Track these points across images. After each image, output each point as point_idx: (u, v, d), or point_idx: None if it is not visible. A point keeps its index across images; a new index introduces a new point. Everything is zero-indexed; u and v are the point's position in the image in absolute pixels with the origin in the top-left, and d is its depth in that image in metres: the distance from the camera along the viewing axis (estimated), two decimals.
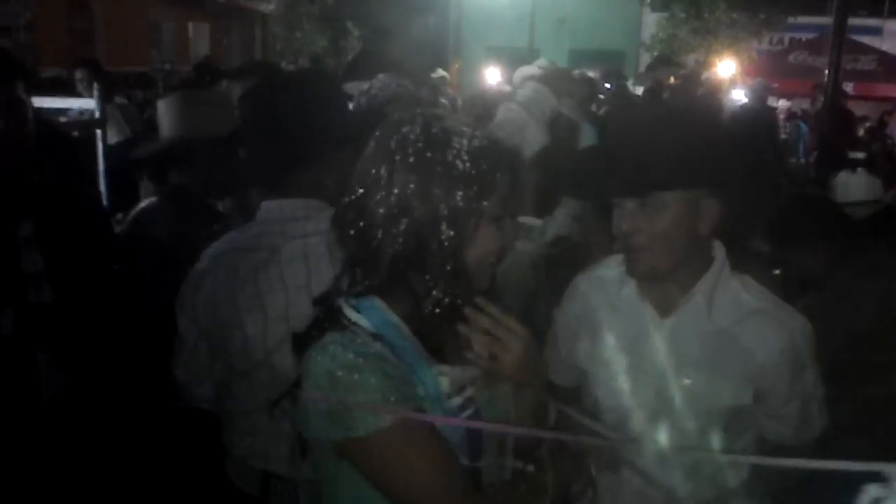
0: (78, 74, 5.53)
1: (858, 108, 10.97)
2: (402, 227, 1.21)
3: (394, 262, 1.22)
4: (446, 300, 1.23)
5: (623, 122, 1.63)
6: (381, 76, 2.50)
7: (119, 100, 5.78)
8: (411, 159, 1.21)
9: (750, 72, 11.96)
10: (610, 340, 1.68)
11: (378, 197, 1.22)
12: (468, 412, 1.27)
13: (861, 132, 9.91)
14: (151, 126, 3.07)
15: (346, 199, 1.27)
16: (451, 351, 1.31)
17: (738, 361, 1.59)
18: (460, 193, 1.20)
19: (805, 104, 10.69)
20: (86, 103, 3.49)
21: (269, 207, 1.78)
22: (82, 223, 1.94)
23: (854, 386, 2.30)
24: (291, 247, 1.70)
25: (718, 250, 1.64)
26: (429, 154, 1.20)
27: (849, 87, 10.24)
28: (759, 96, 8.28)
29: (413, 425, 1.18)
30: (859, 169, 2.91)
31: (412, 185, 1.20)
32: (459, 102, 5.25)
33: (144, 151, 2.83)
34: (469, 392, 1.28)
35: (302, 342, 1.26)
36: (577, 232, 2.35)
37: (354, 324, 1.23)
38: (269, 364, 1.72)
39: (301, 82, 1.93)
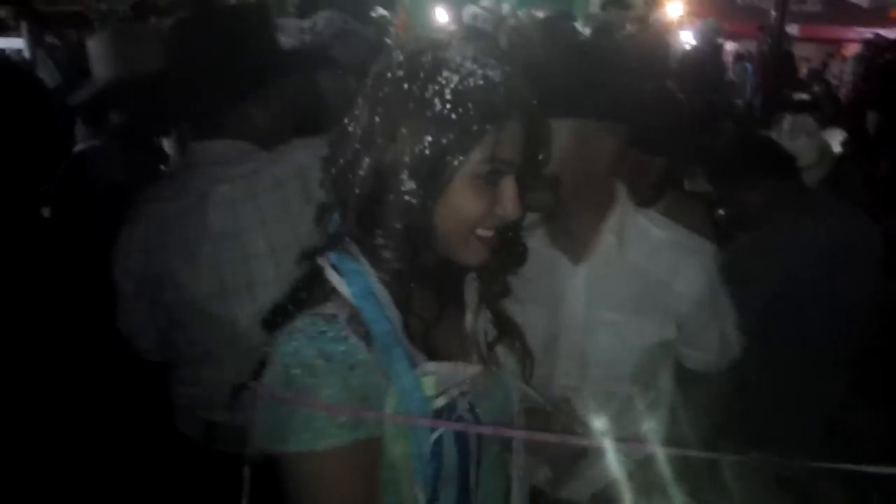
0: (2, 12, 5.26)
1: (804, 50, 11.10)
2: (364, 167, 1.05)
3: (358, 208, 1.07)
4: (399, 266, 1.06)
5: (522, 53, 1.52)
6: (324, 13, 2.45)
7: (50, 41, 5.53)
8: (385, 89, 1.05)
9: (698, 13, 11.96)
10: (526, 296, 1.56)
11: (352, 130, 1.08)
12: (458, 412, 1.11)
13: (804, 73, 10.03)
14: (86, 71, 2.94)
15: (333, 134, 1.12)
16: (442, 338, 1.14)
17: (658, 296, 1.58)
18: (429, 139, 1.02)
19: (752, 46, 10.76)
20: (11, 43, 3.34)
21: (196, 150, 1.72)
22: None
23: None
24: (219, 192, 1.65)
25: (620, 190, 1.60)
26: (405, 86, 1.03)
27: (794, 29, 10.34)
28: (708, 38, 8.29)
29: (346, 459, 1.02)
30: (803, 114, 2.94)
31: (377, 120, 1.05)
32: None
33: (80, 97, 2.73)
34: (459, 390, 1.12)
35: (276, 316, 1.10)
36: None
37: (334, 291, 1.07)
38: (207, 313, 1.69)
39: (228, 15, 1.85)
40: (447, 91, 1.02)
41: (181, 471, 1.82)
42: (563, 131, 1.40)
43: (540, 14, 6.15)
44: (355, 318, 1.04)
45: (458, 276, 1.20)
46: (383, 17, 7.37)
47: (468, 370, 1.14)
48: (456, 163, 1.03)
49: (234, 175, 1.66)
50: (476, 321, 1.22)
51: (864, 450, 2.91)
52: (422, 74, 1.03)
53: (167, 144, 2.63)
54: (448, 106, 1.02)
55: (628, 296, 1.58)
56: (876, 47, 8.18)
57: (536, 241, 1.54)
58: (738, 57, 10.65)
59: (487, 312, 1.25)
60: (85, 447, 1.85)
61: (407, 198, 1.03)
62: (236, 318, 1.68)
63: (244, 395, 1.65)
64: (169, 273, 1.69)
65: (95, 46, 2.55)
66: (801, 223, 2.44)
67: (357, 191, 1.06)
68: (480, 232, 1.10)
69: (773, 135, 2.90)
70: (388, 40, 4.08)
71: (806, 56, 11.23)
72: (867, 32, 10.56)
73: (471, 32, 4.76)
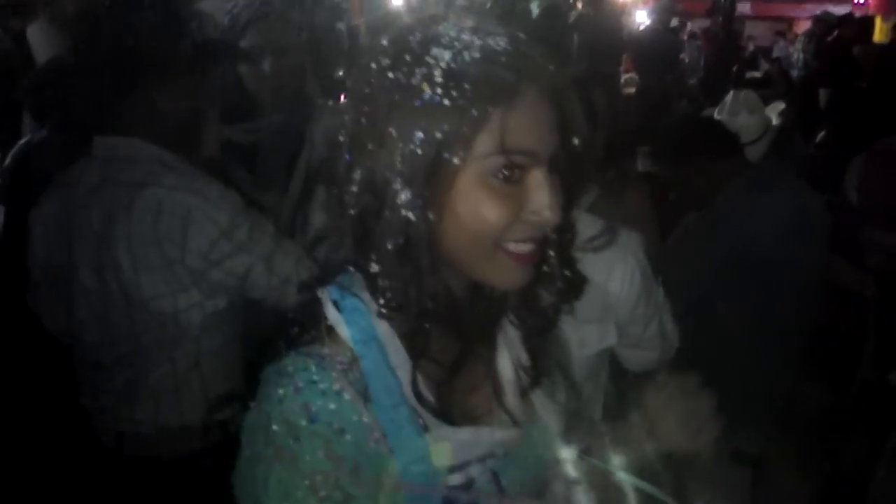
0: None
1: (755, 29, 11.23)
2: (356, 181, 0.86)
3: (355, 233, 0.88)
4: (400, 299, 0.85)
5: None
6: None
7: None
8: (370, 82, 0.86)
9: None
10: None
11: (341, 139, 0.89)
12: (477, 487, 0.91)
13: (749, 51, 10.16)
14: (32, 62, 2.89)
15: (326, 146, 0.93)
16: (463, 391, 0.93)
17: (595, 301, 1.44)
18: (419, 135, 0.82)
19: (706, 24, 10.86)
20: None
21: (96, 144, 1.67)
22: None
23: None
24: (112, 194, 1.61)
25: None
26: (389, 75, 0.84)
27: (747, 7, 10.45)
28: (662, 18, 8.35)
29: None
30: (746, 90, 2.98)
31: (364, 122, 0.86)
32: (363, 29, 5.11)
33: (23, 85, 2.68)
34: (481, 458, 0.92)
35: (265, 352, 0.91)
36: None
37: (331, 330, 0.89)
38: (100, 311, 1.68)
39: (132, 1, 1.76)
40: (437, 72, 0.82)
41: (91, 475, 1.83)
42: None
43: None
44: (355, 367, 0.87)
45: (487, 306, 0.97)
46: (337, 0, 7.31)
47: (496, 435, 0.93)
48: (456, 160, 0.82)
49: (129, 179, 1.60)
50: (509, 365, 1.00)
51: (817, 425, 2.99)
52: (408, 58, 0.84)
53: None
54: (439, 90, 0.82)
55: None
56: (825, 24, 8.31)
57: None
58: (691, 36, 10.75)
59: (524, 353, 1.01)
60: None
61: (403, 212, 0.83)
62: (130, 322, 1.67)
63: (153, 403, 1.66)
64: (66, 268, 1.69)
65: (34, 33, 2.51)
66: (747, 200, 2.48)
67: (352, 210, 0.87)
68: (511, 246, 0.87)
69: (716, 112, 2.93)
70: (339, 25, 4.03)
71: (757, 34, 11.36)
72: (818, 9, 10.71)
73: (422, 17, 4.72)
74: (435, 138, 0.82)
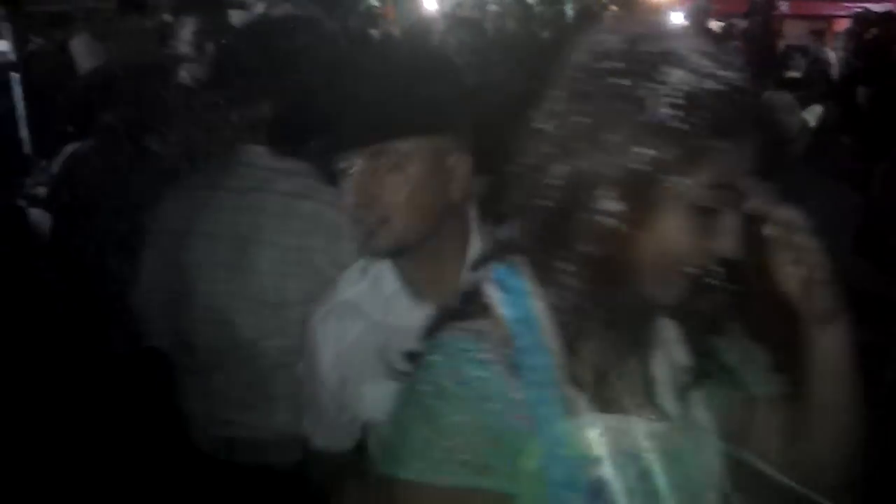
0: None
1: (794, 27, 11.06)
2: (553, 174, 0.86)
3: (539, 221, 0.89)
4: (580, 297, 0.86)
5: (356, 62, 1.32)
6: (287, 5, 2.44)
7: (37, 41, 5.52)
8: (591, 82, 0.85)
9: None
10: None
11: (544, 128, 0.89)
12: (628, 482, 0.89)
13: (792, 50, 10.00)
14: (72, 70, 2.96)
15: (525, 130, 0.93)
16: (614, 385, 0.93)
17: None
18: (639, 150, 0.81)
19: (743, 24, 10.72)
20: None
21: (242, 151, 1.73)
22: None
23: None
24: (264, 201, 1.67)
25: (473, 215, 1.34)
26: (616, 81, 0.83)
27: (785, 6, 10.29)
28: (698, 18, 8.27)
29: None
30: (782, 91, 2.94)
31: (575, 119, 0.85)
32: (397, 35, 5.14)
33: (66, 95, 2.75)
34: (632, 452, 0.90)
35: (431, 327, 0.95)
36: None
37: (491, 309, 0.90)
38: (230, 320, 1.69)
39: (299, 20, 1.88)
40: (672, 92, 0.81)
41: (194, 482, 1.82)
42: (414, 156, 1.21)
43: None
44: (508, 344, 0.88)
45: (647, 314, 0.96)
46: (371, 6, 7.37)
47: (645, 426, 0.92)
48: (670, 183, 0.82)
49: (291, 189, 1.67)
50: (664, 362, 0.99)
51: None
52: (639, 68, 0.83)
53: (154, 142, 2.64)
54: (669, 110, 0.80)
55: None
56: (864, 21, 8.16)
57: (398, 301, 1.32)
58: (727, 35, 10.62)
59: (681, 352, 1.00)
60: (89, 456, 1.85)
61: (603, 218, 0.83)
62: (247, 328, 1.69)
63: (271, 409, 1.65)
64: (193, 264, 1.71)
65: (78, 44, 2.57)
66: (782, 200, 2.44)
67: (541, 201, 0.87)
68: (684, 268, 0.87)
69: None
70: (373, 32, 4.08)
71: (796, 33, 11.19)
72: (856, 7, 10.51)
73: (457, 20, 4.75)
74: (651, 155, 0.81)
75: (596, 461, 0.87)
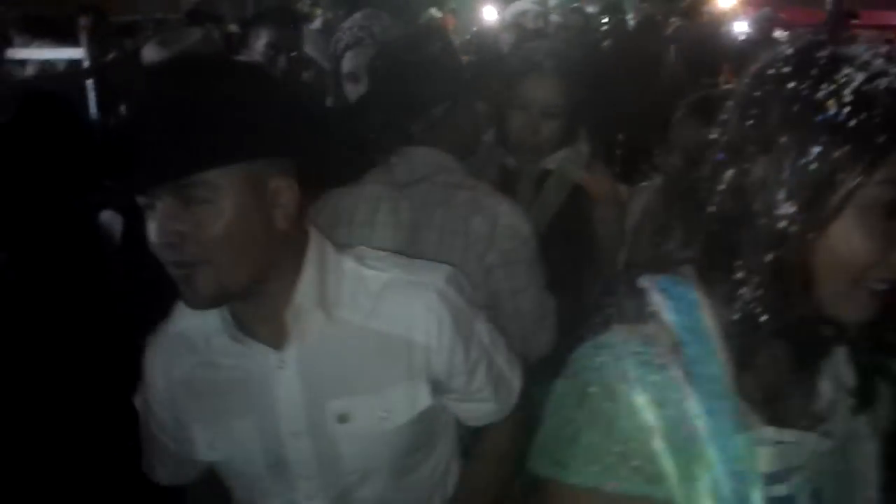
0: (82, 21, 5.40)
1: (869, 38, 10.77)
2: (726, 181, 0.85)
3: (710, 230, 0.88)
4: (758, 309, 0.83)
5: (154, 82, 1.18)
6: (358, 15, 2.49)
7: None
8: (765, 87, 0.86)
9: (753, 2, 11.70)
10: (225, 414, 1.25)
11: (716, 137, 0.90)
12: (798, 502, 0.88)
13: None
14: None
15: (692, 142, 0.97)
16: (783, 401, 0.89)
17: (396, 357, 1.23)
18: (818, 150, 0.80)
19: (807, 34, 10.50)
20: (74, 52, 3.43)
21: (402, 152, 1.86)
22: None
23: None
24: (427, 190, 1.81)
25: (314, 237, 1.24)
26: (791, 84, 0.83)
27: (859, 18, 10.02)
28: (763, 28, 8.10)
29: None
30: None
31: (749, 124, 0.85)
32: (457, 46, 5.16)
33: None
34: (803, 470, 0.88)
35: (577, 327, 0.95)
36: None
37: (653, 315, 0.89)
38: None
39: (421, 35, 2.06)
40: (847, 91, 0.81)
41: None
42: (227, 187, 1.08)
43: (589, 8, 6.11)
44: (678, 351, 0.86)
45: (823, 327, 0.91)
46: (432, 17, 7.41)
47: (819, 443, 0.89)
48: (852, 183, 0.80)
49: (454, 182, 1.83)
50: (833, 380, 0.95)
51: None
52: (814, 71, 0.83)
53: None
54: (847, 110, 0.80)
55: (358, 371, 1.22)
56: None
57: (224, 338, 1.22)
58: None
59: (850, 372, 0.96)
60: None
61: (782, 224, 0.82)
62: None
63: None
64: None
65: (151, 53, 2.62)
66: None
67: (713, 209, 0.87)
68: (870, 283, 0.83)
69: None
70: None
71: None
72: None
73: (519, 29, 4.74)
74: (833, 157, 0.80)
75: (767, 477, 0.84)
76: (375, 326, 1.22)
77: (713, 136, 0.90)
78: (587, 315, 0.95)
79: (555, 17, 6.15)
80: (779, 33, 9.14)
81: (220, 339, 1.22)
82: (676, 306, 0.87)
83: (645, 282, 0.92)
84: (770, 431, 0.85)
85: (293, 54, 2.84)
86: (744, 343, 0.85)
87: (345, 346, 1.22)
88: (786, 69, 0.84)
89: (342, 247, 1.29)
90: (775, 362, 0.88)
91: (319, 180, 1.29)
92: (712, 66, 6.18)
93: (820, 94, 0.81)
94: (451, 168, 1.85)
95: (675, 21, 6.73)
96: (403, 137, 1.87)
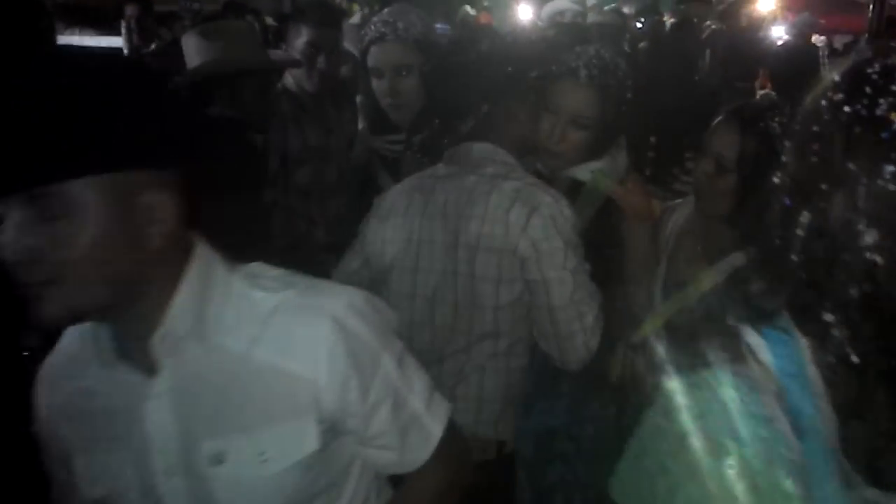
0: (128, 11, 5.48)
1: None
2: (803, 225, 0.80)
3: (800, 277, 0.81)
4: (856, 352, 0.77)
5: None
6: (384, 11, 2.51)
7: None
8: (819, 120, 0.80)
9: (792, 6, 11.56)
10: (101, 446, 1.11)
11: (777, 183, 0.84)
12: None
13: None
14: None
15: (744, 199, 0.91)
16: (886, 458, 0.81)
17: (280, 393, 1.08)
18: (890, 168, 0.75)
19: (846, 40, 10.35)
20: (112, 41, 3.49)
21: (454, 148, 1.93)
22: None
23: None
24: (475, 182, 1.86)
25: (199, 253, 1.10)
26: (846, 109, 0.78)
27: None
28: (802, 33, 8.01)
29: None
30: None
31: (814, 161, 0.80)
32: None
33: (177, 84, 2.83)
34: None
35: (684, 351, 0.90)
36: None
37: (753, 353, 0.83)
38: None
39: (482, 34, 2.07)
40: None
41: None
42: (88, 203, 0.95)
43: (626, 9, 6.06)
44: (783, 398, 0.80)
45: None
46: (468, 15, 7.41)
47: None
48: None
49: (499, 173, 1.86)
50: None
51: None
52: (868, 89, 0.78)
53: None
54: None
55: (237, 406, 1.08)
56: None
57: (88, 352, 1.11)
58: (833, 52, 10.27)
59: None
60: None
61: (868, 255, 0.75)
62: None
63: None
64: (416, 240, 1.90)
65: (188, 42, 2.65)
66: None
67: (797, 257, 0.80)
68: None
69: None
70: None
71: None
72: None
73: (557, 28, 4.72)
74: None
75: None
76: (260, 356, 1.07)
77: (769, 183, 0.85)
78: (613, 336, 0.91)
79: (592, 17, 6.12)
80: (816, 38, 9.06)
81: (97, 364, 1.10)
82: (774, 349, 0.81)
83: (738, 328, 0.85)
84: (873, 493, 0.79)
85: (333, 54, 2.84)
86: (847, 391, 0.78)
87: (224, 378, 1.07)
88: (838, 96, 0.79)
89: (235, 265, 1.14)
90: (879, 413, 0.79)
91: (213, 189, 1.12)
92: (748, 70, 6.13)
93: (879, 111, 0.76)
94: (502, 161, 1.89)
95: (711, 24, 6.66)
96: (455, 136, 1.93)
